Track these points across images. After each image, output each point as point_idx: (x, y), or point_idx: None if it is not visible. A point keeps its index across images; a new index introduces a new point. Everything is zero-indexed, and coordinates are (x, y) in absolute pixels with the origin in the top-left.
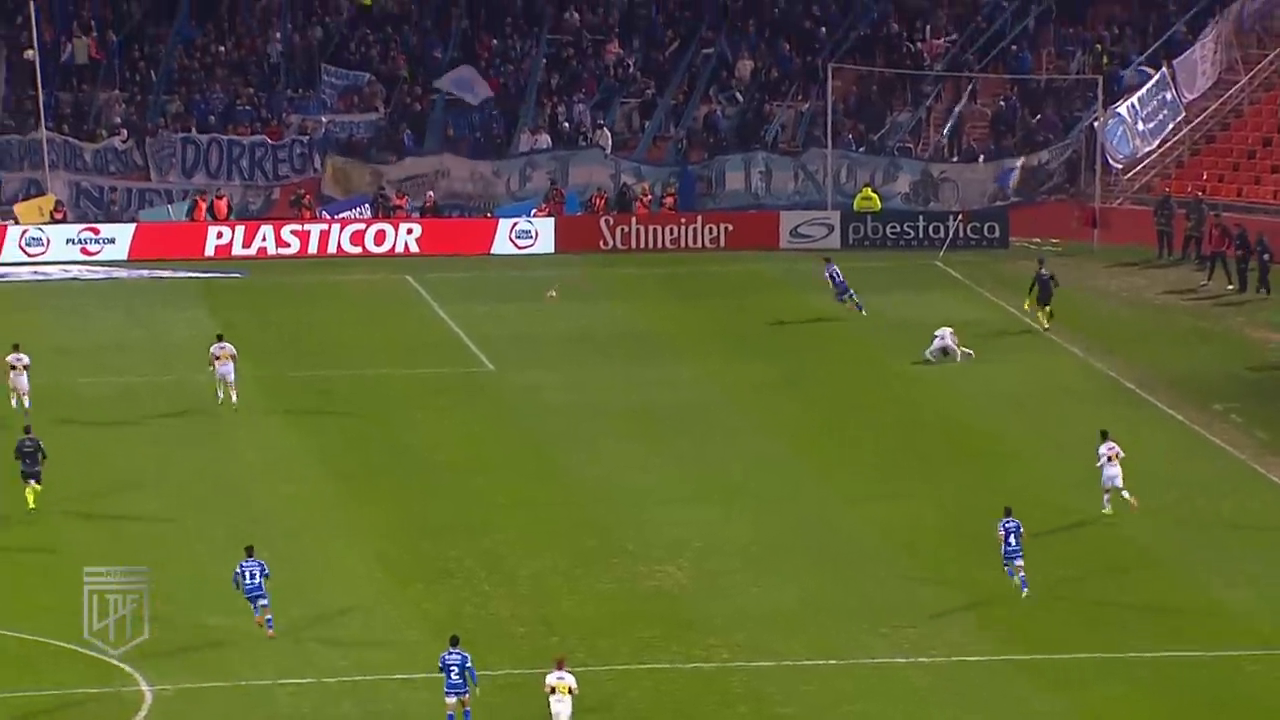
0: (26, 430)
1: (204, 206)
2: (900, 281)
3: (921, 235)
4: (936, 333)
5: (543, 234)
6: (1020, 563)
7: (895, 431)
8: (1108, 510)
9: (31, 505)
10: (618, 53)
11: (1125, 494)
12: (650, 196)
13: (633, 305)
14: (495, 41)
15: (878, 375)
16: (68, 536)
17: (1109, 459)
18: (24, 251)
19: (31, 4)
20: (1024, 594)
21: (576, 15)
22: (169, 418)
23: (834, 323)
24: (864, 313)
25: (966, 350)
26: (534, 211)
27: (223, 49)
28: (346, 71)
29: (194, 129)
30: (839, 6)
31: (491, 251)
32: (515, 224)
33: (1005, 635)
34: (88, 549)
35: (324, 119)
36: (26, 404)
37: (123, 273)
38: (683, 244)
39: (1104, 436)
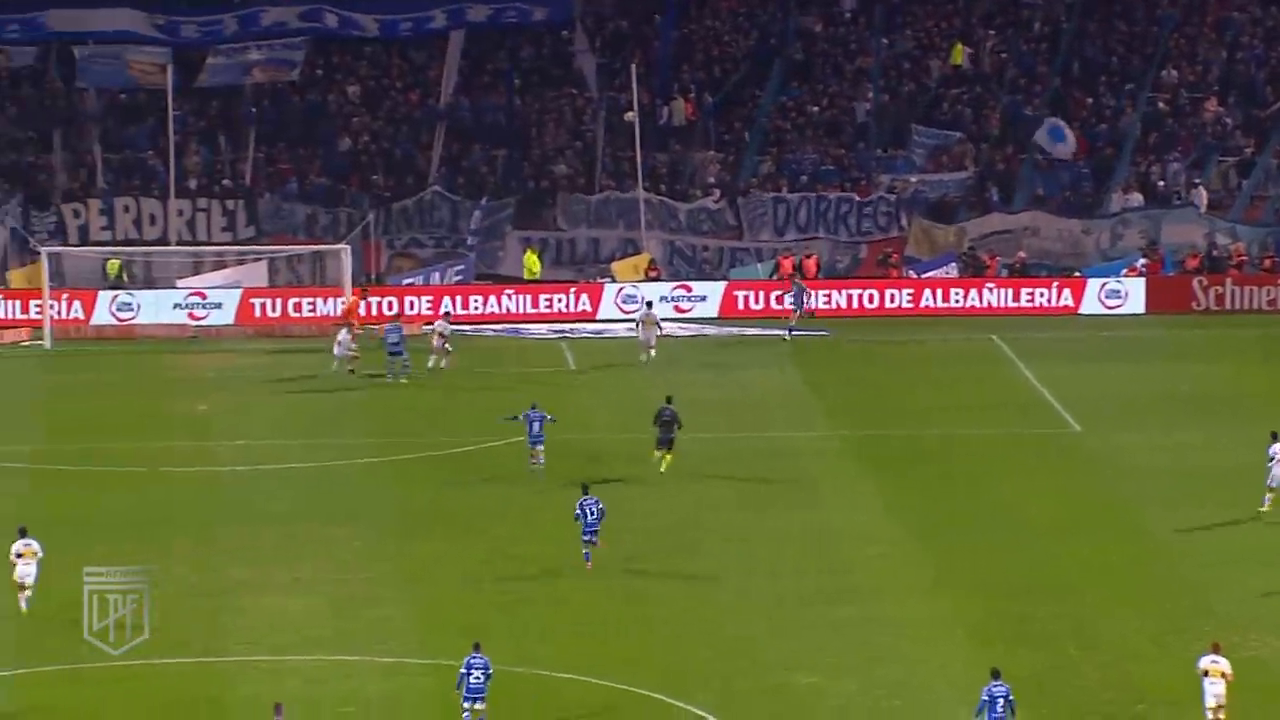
0: (668, 400)
1: (788, 264)
2: None
3: None
4: None
5: (1133, 294)
6: None
7: None
8: (1265, 508)
9: (662, 470)
10: (1216, 110)
11: None
12: (1245, 257)
13: (1224, 367)
14: (1089, 99)
15: None
16: (645, 587)
17: (1277, 459)
18: (620, 309)
19: (633, 68)
20: None
21: (1174, 72)
22: (756, 475)
23: None
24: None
25: None
26: (1124, 271)
27: (815, 109)
28: (937, 131)
29: (785, 188)
30: None
31: (1079, 311)
32: (1104, 284)
33: None
34: (667, 601)
35: (913, 178)
36: (444, 364)
37: (712, 330)
38: None
39: (1275, 438)
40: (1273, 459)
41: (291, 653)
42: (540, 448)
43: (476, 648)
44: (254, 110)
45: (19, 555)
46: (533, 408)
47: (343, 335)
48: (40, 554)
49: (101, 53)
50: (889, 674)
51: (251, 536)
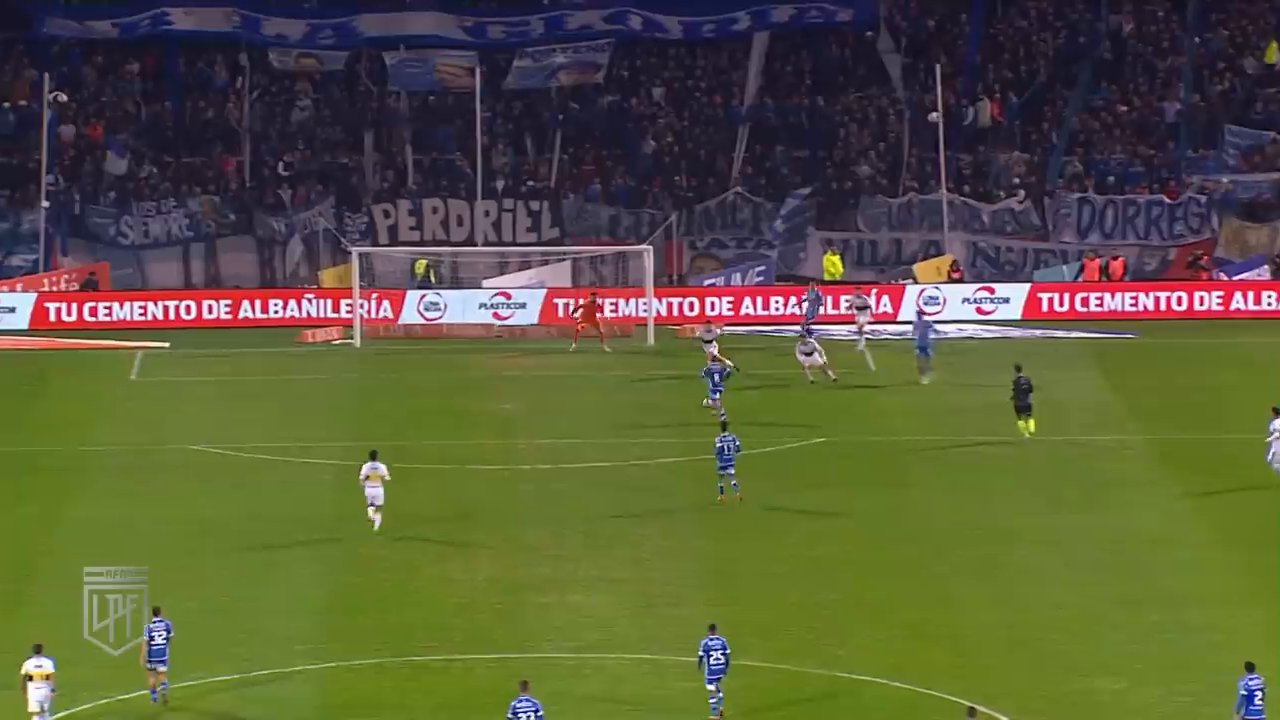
0: (1018, 369)
1: (1094, 267)
2: None
3: None
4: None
5: None
6: None
7: None
8: None
9: (1025, 435)
10: None
11: None
12: None
13: None
14: None
15: None
16: (947, 590)
17: (1277, 435)
18: (922, 310)
19: (938, 68)
20: None
21: None
22: (1060, 478)
23: None
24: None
25: None
26: None
27: (1124, 109)
28: (1251, 131)
29: (1091, 189)
30: None
31: None
32: None
33: None
34: (969, 604)
35: (1224, 179)
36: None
37: (1015, 332)
38: None
39: (1276, 413)
40: (1273, 434)
41: (594, 650)
42: (718, 397)
43: (713, 629)
44: (560, 114)
45: (366, 478)
46: (713, 359)
47: (811, 341)
48: (387, 477)
49: (411, 57)
50: (1196, 682)
51: (555, 534)
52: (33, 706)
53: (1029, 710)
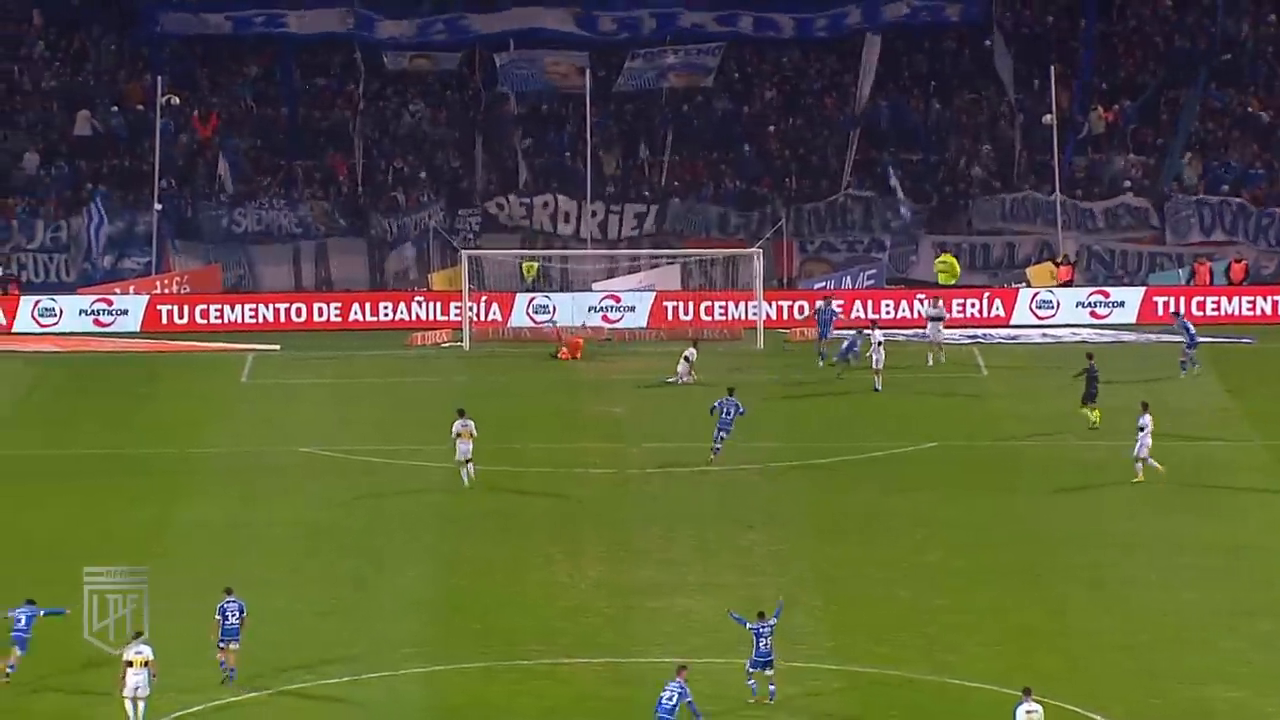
0: (1089, 357)
1: (1205, 271)
2: None
3: None
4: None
5: None
6: None
7: None
8: (1139, 479)
9: (1090, 424)
10: None
11: (1152, 462)
12: None
13: None
14: None
15: None
16: (1059, 597)
17: (1146, 430)
18: (1034, 314)
19: (1051, 70)
20: None
21: None
22: (1173, 483)
23: None
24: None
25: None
26: None
27: (1241, 112)
28: None
29: (1207, 192)
30: None
31: None
32: None
33: None
34: (1081, 611)
35: None
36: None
37: (1131, 336)
38: None
39: (1145, 408)
40: (1142, 429)
41: (703, 655)
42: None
43: (761, 616)
44: (670, 117)
45: (458, 435)
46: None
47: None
48: (475, 434)
49: (520, 58)
50: None
51: (663, 539)
52: (128, 691)
53: (1142, 718)
